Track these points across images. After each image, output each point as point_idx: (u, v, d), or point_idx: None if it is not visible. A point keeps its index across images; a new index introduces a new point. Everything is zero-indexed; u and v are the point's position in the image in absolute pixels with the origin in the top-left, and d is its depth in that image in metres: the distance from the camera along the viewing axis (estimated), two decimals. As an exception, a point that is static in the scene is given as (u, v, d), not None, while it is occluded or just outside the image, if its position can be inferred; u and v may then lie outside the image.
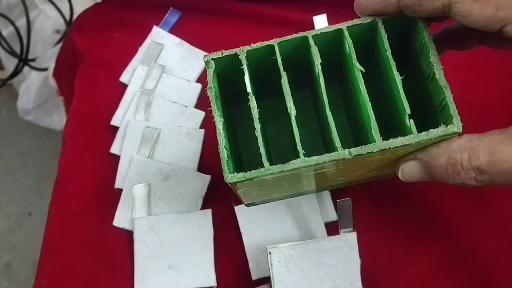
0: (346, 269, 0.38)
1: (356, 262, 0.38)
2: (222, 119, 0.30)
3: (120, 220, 0.45)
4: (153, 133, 0.47)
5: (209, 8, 0.55)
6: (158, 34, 0.53)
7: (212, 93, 0.31)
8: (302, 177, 0.31)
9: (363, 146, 0.28)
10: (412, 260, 0.41)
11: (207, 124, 0.49)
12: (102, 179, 0.47)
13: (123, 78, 0.52)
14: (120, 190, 0.46)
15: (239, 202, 0.43)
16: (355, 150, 0.28)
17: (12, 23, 0.77)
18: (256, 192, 0.33)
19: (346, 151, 0.28)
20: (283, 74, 0.31)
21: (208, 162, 0.47)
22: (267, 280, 0.41)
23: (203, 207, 0.45)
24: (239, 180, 0.29)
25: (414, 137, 0.28)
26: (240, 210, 0.43)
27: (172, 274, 0.42)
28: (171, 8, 0.55)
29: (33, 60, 0.83)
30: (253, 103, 0.30)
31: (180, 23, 0.55)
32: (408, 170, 0.31)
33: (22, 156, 1.11)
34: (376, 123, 0.29)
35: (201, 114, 0.49)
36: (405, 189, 0.43)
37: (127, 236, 0.44)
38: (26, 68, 0.83)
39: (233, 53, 0.32)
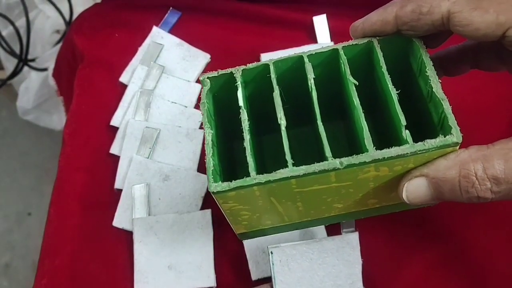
0: (348, 269, 0.38)
1: (357, 262, 0.38)
2: (212, 131, 0.30)
3: (120, 220, 0.45)
4: (152, 133, 0.47)
5: (209, 8, 0.55)
6: (158, 34, 0.53)
7: (204, 107, 0.31)
8: (294, 196, 0.30)
9: (355, 155, 0.27)
10: (412, 260, 0.41)
11: (207, 125, 0.48)
12: (102, 179, 0.47)
13: (123, 78, 0.52)
14: (119, 191, 0.46)
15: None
16: (346, 160, 0.27)
17: (12, 23, 0.77)
18: (246, 215, 0.31)
19: (337, 160, 0.27)
20: (276, 88, 0.31)
21: (208, 162, 0.47)
22: (267, 280, 0.41)
23: (203, 207, 0.45)
24: (224, 190, 0.28)
25: (410, 147, 0.27)
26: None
27: (172, 274, 0.42)
28: (171, 8, 0.55)
29: (33, 60, 0.83)
30: (244, 115, 0.30)
31: (180, 23, 0.55)
32: (414, 189, 0.28)
33: (22, 156, 1.11)
34: (369, 133, 0.28)
35: (200, 115, 0.49)
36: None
37: (127, 236, 0.44)
38: (25, 68, 0.83)
39: (229, 72, 0.32)
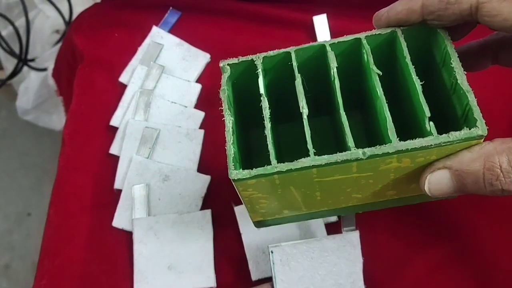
0: (349, 267, 0.38)
1: (358, 260, 0.38)
2: (232, 119, 0.30)
3: (120, 220, 0.45)
4: (152, 133, 0.47)
5: (209, 8, 0.55)
6: (158, 34, 0.53)
7: (224, 94, 0.31)
8: (314, 186, 0.30)
9: (378, 146, 0.27)
10: (413, 259, 0.41)
11: (207, 125, 0.48)
12: (101, 180, 0.47)
13: (123, 78, 0.52)
14: (119, 191, 0.46)
15: (239, 202, 0.43)
16: (369, 150, 0.27)
17: (11, 23, 0.77)
18: (264, 203, 0.31)
19: (360, 151, 0.27)
20: (298, 76, 0.30)
21: (207, 162, 0.47)
22: (267, 280, 0.40)
23: (203, 207, 0.44)
24: (244, 177, 0.28)
25: (434, 139, 0.26)
26: (240, 211, 0.43)
27: (172, 275, 0.42)
28: (171, 8, 0.55)
29: (32, 60, 0.83)
30: (265, 103, 0.30)
31: (180, 23, 0.55)
32: (436, 181, 0.28)
33: (22, 156, 1.11)
34: (392, 124, 0.27)
35: (200, 115, 0.49)
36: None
37: (127, 236, 0.44)
38: (25, 68, 0.83)
39: (249, 59, 0.31)
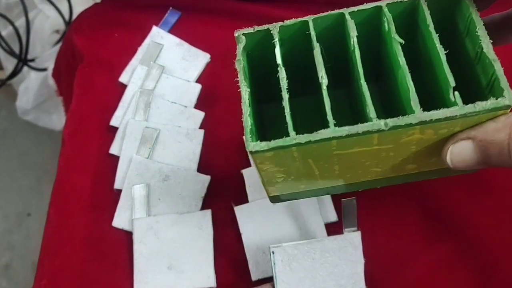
0: (350, 268, 0.38)
1: (360, 261, 0.38)
2: (248, 90, 0.29)
3: (120, 220, 0.45)
4: (152, 133, 0.47)
5: (209, 8, 0.55)
6: (158, 34, 0.53)
7: (240, 65, 0.30)
8: (332, 159, 0.29)
9: (400, 117, 0.26)
10: (415, 259, 0.41)
11: (207, 125, 0.48)
12: (101, 180, 0.47)
13: (123, 78, 0.52)
14: (119, 191, 0.46)
15: (239, 202, 0.43)
16: (391, 121, 0.26)
17: (11, 23, 0.77)
18: (281, 177, 0.30)
19: (382, 121, 0.26)
20: (316, 45, 0.29)
21: (207, 162, 0.47)
22: (267, 280, 0.40)
23: (203, 207, 0.44)
24: (262, 150, 0.27)
25: (459, 109, 0.25)
26: (240, 211, 0.43)
27: (172, 275, 0.42)
28: (171, 8, 0.55)
29: (32, 60, 0.83)
30: (282, 73, 0.29)
31: (180, 23, 0.55)
32: (459, 152, 0.27)
33: (21, 156, 1.11)
34: (416, 94, 0.26)
35: (200, 115, 0.49)
36: (407, 187, 0.43)
37: (127, 236, 0.44)
38: (25, 68, 0.83)
39: (265, 28, 0.31)
